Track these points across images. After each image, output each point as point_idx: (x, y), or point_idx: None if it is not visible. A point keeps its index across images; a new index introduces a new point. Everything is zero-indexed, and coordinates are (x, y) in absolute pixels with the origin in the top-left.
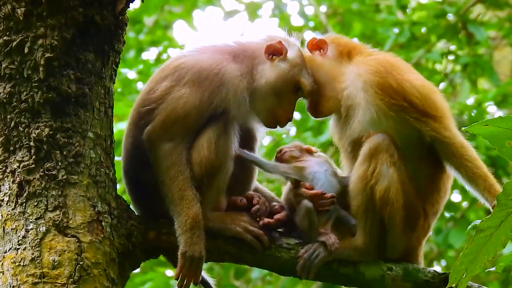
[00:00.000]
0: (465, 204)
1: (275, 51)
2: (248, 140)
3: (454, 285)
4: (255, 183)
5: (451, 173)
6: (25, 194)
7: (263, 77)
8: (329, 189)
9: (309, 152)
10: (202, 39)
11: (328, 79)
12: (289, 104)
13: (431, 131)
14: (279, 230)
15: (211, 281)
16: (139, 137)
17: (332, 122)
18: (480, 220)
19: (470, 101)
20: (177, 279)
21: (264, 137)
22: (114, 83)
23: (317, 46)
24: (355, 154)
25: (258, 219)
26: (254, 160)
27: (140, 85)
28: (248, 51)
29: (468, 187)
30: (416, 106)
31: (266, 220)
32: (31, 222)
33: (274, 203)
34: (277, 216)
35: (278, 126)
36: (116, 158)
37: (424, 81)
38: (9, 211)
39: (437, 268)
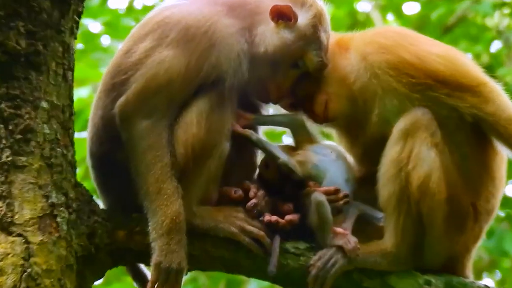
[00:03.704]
0: None
1: (282, 15)
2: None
3: None
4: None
5: (505, 156)
6: None
7: (262, 43)
8: (340, 177)
9: (308, 141)
10: None
11: (332, 76)
12: (284, 79)
13: (470, 108)
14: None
15: None
16: (111, 109)
17: (340, 128)
18: None
19: None
20: None
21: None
22: (75, 38)
23: None
24: (374, 157)
25: (260, 217)
26: (258, 142)
27: (106, 41)
28: (250, 3)
29: None
30: (443, 79)
31: (274, 217)
32: None
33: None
34: (288, 217)
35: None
36: (77, 135)
37: (443, 45)
38: None
39: (489, 282)
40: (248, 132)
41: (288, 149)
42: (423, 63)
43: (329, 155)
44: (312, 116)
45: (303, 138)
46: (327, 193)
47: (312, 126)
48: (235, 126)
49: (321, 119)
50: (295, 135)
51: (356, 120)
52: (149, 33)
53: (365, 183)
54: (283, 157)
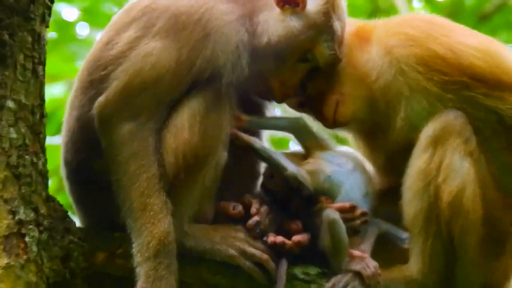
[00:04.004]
0: None
1: None
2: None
3: None
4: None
5: None
6: None
7: (265, 33)
8: (358, 192)
9: (318, 147)
10: None
11: (348, 73)
12: (290, 74)
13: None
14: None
15: None
16: (89, 110)
17: (356, 133)
18: None
19: None
20: None
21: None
22: (47, 26)
23: None
24: (398, 167)
25: (264, 237)
26: (262, 151)
27: (83, 30)
28: None
29: None
30: (481, 77)
31: (280, 238)
32: None
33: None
34: (297, 238)
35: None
36: (49, 140)
37: (481, 36)
38: None
39: None
40: (251, 138)
41: (297, 157)
42: (458, 57)
43: (345, 164)
44: (320, 119)
45: (312, 143)
46: (341, 210)
47: (320, 130)
48: (235, 130)
49: (330, 123)
50: (301, 140)
51: (376, 124)
52: (134, 21)
53: (387, 197)
54: (291, 168)
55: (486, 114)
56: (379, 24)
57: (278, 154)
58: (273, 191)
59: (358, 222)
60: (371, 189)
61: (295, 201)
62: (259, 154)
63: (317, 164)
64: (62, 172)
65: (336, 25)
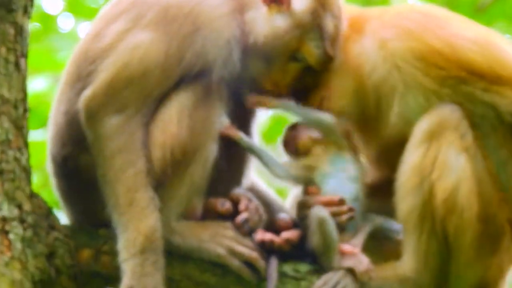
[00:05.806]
0: None
1: None
2: (242, 115)
3: None
4: (252, 178)
5: None
6: None
7: (252, 32)
8: (348, 196)
9: (332, 145)
10: None
11: (338, 66)
12: (282, 75)
13: (511, 106)
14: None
15: None
16: (76, 104)
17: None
18: None
19: None
20: None
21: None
22: (29, 17)
23: None
24: (391, 161)
25: (250, 233)
26: (252, 148)
27: (65, 24)
28: None
29: None
30: (479, 71)
31: (268, 236)
32: None
33: (282, 215)
34: (286, 235)
35: None
36: (33, 135)
37: (478, 28)
38: None
39: None
40: (239, 135)
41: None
42: (455, 52)
43: (343, 171)
44: None
45: (330, 139)
46: (329, 203)
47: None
48: (226, 127)
49: None
50: (323, 135)
51: (367, 118)
52: (123, 13)
53: (379, 192)
54: (279, 170)
55: (484, 110)
56: (373, 15)
57: (268, 154)
58: None
59: (344, 217)
60: (364, 197)
61: None
62: (251, 152)
63: (318, 161)
64: (49, 167)
65: (327, 23)
